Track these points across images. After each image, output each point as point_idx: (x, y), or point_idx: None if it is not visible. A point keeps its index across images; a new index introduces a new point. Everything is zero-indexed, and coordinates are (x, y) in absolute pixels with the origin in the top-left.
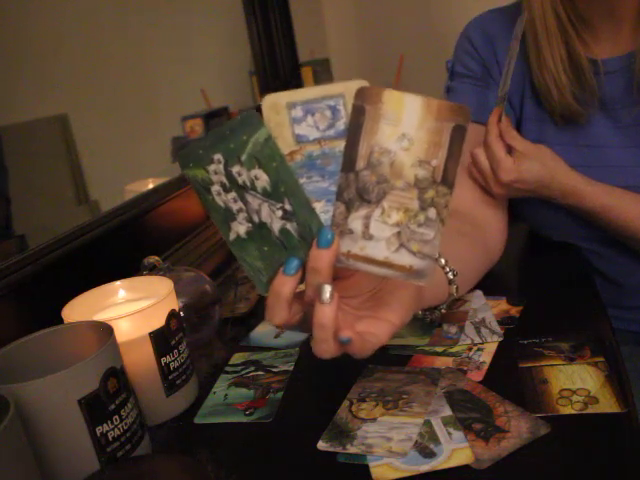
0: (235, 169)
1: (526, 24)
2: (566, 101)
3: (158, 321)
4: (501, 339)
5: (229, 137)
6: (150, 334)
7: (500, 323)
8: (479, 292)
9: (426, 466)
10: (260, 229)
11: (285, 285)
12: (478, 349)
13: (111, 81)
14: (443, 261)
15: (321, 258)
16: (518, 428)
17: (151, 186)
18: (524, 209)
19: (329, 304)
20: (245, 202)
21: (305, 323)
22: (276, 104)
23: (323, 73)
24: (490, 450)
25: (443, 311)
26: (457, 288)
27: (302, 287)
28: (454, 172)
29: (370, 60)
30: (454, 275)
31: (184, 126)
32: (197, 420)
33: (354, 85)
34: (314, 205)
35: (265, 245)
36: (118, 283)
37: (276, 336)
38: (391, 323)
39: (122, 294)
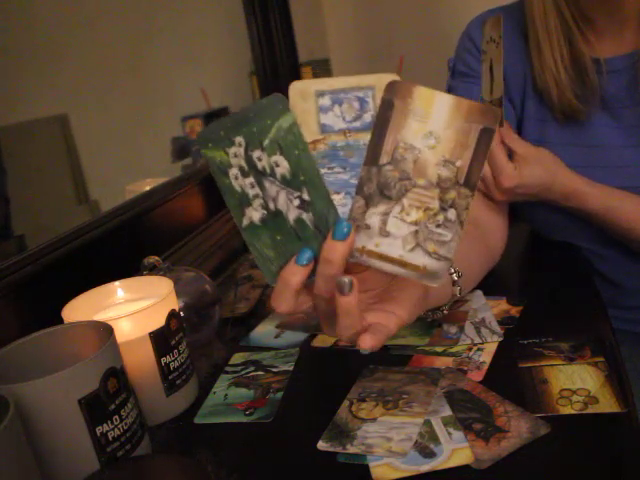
0: (256, 154)
1: (527, 23)
2: (567, 100)
3: (158, 321)
4: (501, 339)
5: (252, 120)
6: (150, 334)
7: (500, 323)
8: (479, 292)
9: (426, 466)
10: (275, 217)
11: (295, 275)
12: (478, 349)
13: (111, 81)
14: None
15: (335, 250)
16: (518, 428)
17: (151, 186)
18: (525, 210)
19: (351, 294)
20: (262, 188)
21: (313, 313)
22: (304, 91)
23: (323, 73)
24: (490, 450)
25: (445, 311)
26: (460, 289)
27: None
28: (478, 175)
29: (370, 60)
30: (458, 276)
31: (184, 126)
32: (197, 420)
33: (385, 78)
34: (333, 197)
35: (278, 234)
36: (118, 283)
37: (276, 336)
38: (399, 317)
39: (122, 294)
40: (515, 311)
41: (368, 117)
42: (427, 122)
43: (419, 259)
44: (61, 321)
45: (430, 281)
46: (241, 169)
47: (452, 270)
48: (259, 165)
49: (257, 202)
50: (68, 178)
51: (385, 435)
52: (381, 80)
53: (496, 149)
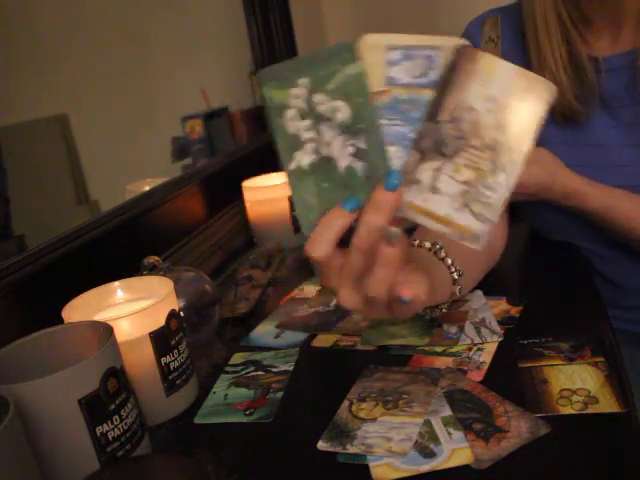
0: (318, 97)
1: (526, 23)
2: (566, 100)
3: (158, 321)
4: (501, 339)
5: (320, 64)
6: (150, 334)
7: (500, 323)
8: (479, 292)
9: (426, 466)
10: (325, 163)
11: (340, 218)
12: (478, 349)
13: (111, 81)
14: (450, 261)
15: (384, 199)
16: (518, 428)
17: (151, 186)
18: (525, 209)
19: (396, 246)
20: (318, 132)
21: (339, 275)
22: (376, 44)
23: None
24: (490, 450)
25: (444, 310)
26: (460, 288)
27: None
28: (530, 143)
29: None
30: (459, 275)
31: (184, 126)
32: (197, 420)
33: (455, 41)
34: (388, 149)
35: (326, 181)
36: (118, 283)
37: (276, 336)
38: (419, 297)
39: (122, 294)
40: (515, 311)
41: (433, 75)
42: (489, 86)
43: (464, 219)
44: (61, 321)
45: (472, 243)
46: (299, 111)
47: (453, 269)
48: (319, 109)
49: (309, 146)
50: (68, 178)
51: (385, 435)
52: (450, 42)
53: None
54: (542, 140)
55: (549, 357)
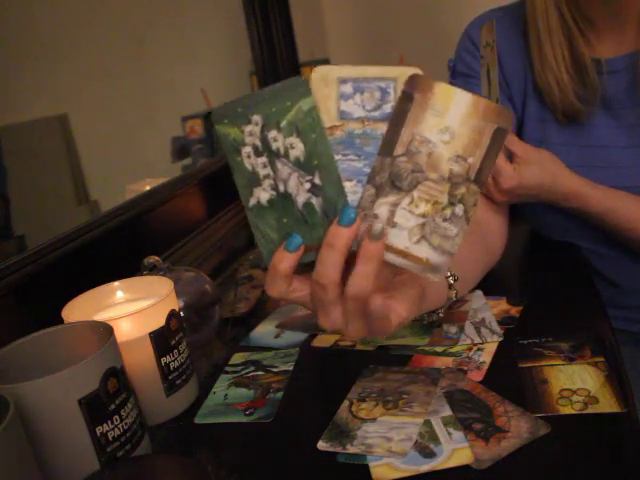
0: (272, 134)
1: (528, 23)
2: (568, 100)
3: (158, 321)
4: (501, 339)
5: (272, 100)
6: (150, 334)
7: (500, 323)
8: (479, 292)
9: (426, 466)
10: (283, 199)
11: (283, 261)
12: (478, 349)
13: (111, 81)
14: None
15: (340, 235)
16: (518, 428)
17: (151, 186)
18: (525, 209)
19: (379, 240)
20: (274, 169)
21: (307, 303)
22: (327, 77)
23: None
24: (490, 450)
25: (441, 315)
26: (456, 293)
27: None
28: (488, 173)
29: (370, 60)
30: (455, 280)
31: (184, 126)
32: (197, 420)
33: (408, 71)
34: (344, 184)
35: (285, 217)
36: (118, 283)
37: (276, 336)
38: (398, 314)
39: (122, 294)
40: (515, 311)
41: (388, 108)
42: (444, 117)
43: (423, 252)
44: (61, 321)
45: (432, 275)
46: (255, 148)
47: (449, 273)
48: (274, 145)
49: (267, 182)
50: (68, 178)
51: (385, 435)
52: (404, 73)
53: None
54: (543, 140)
55: (549, 357)
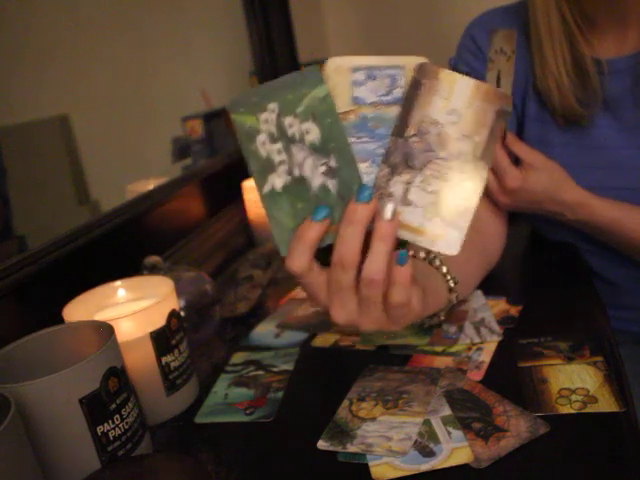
0: (287, 120)
1: (529, 24)
2: (568, 103)
3: (159, 321)
4: (500, 339)
5: (288, 88)
6: (151, 334)
7: (500, 323)
8: (479, 292)
9: (426, 465)
10: (298, 184)
11: (310, 229)
12: (478, 349)
13: (111, 81)
14: (445, 269)
15: (357, 212)
16: (517, 427)
17: (152, 186)
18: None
19: (391, 220)
20: (289, 154)
21: (326, 289)
22: (340, 66)
23: None
24: (489, 449)
25: (442, 318)
26: (457, 296)
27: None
28: (493, 150)
29: None
30: (455, 283)
31: (184, 126)
32: (197, 420)
33: (415, 60)
34: (359, 165)
35: (300, 202)
36: (118, 283)
37: (276, 336)
38: (414, 305)
39: (123, 294)
40: (514, 311)
41: (397, 93)
42: (450, 100)
43: (437, 228)
44: (62, 321)
45: (447, 250)
46: (270, 135)
47: (448, 277)
48: (289, 131)
49: (282, 168)
50: (68, 178)
51: (385, 434)
52: (410, 61)
53: (500, 154)
54: (544, 141)
55: (548, 357)
